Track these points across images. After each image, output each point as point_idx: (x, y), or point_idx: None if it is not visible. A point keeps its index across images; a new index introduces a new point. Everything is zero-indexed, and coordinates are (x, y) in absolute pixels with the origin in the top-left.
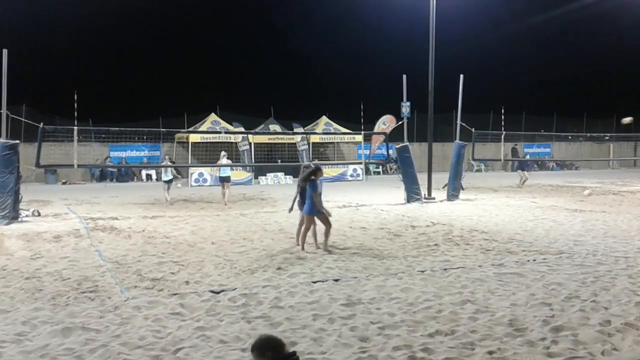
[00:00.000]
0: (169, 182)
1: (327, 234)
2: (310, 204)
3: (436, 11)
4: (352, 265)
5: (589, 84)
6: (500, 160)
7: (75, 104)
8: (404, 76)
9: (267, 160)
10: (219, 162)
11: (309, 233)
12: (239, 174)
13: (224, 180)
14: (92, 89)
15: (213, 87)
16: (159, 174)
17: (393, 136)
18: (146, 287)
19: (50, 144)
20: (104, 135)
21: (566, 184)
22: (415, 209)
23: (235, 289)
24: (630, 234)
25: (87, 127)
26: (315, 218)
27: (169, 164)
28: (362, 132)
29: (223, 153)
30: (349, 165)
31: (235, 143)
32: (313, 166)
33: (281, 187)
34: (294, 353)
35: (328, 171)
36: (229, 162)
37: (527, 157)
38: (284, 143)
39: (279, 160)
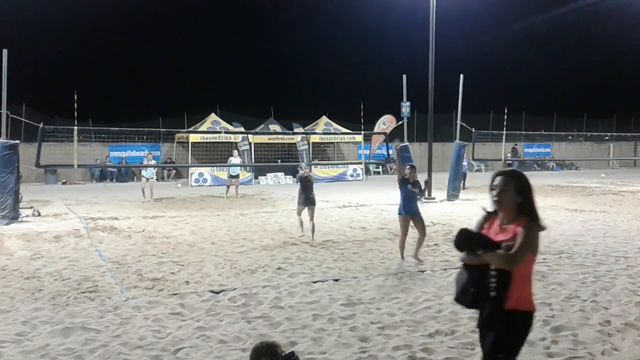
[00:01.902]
0: (149, 178)
1: (419, 242)
2: (402, 204)
3: (436, 11)
4: (352, 265)
5: (589, 84)
6: (500, 160)
7: (75, 104)
8: (404, 76)
9: (267, 160)
10: (229, 160)
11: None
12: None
13: (233, 177)
14: (92, 89)
15: (213, 87)
16: (158, 174)
17: (393, 136)
18: (146, 287)
19: (50, 144)
20: (104, 135)
21: (566, 184)
22: None
23: (235, 289)
24: (630, 234)
25: (87, 127)
26: (412, 222)
27: (152, 162)
28: (362, 132)
29: (235, 153)
30: (349, 165)
31: (235, 143)
32: (305, 168)
33: (281, 187)
34: (292, 353)
35: (328, 171)
36: (237, 161)
37: (509, 155)
38: (284, 143)
39: (279, 160)
